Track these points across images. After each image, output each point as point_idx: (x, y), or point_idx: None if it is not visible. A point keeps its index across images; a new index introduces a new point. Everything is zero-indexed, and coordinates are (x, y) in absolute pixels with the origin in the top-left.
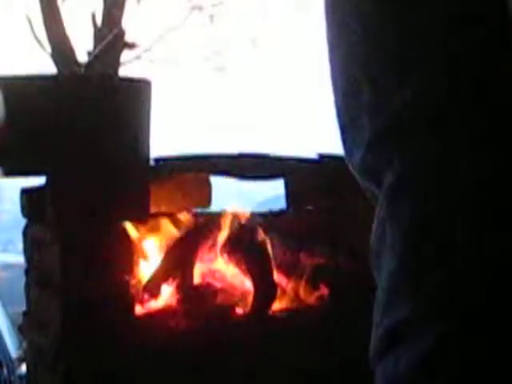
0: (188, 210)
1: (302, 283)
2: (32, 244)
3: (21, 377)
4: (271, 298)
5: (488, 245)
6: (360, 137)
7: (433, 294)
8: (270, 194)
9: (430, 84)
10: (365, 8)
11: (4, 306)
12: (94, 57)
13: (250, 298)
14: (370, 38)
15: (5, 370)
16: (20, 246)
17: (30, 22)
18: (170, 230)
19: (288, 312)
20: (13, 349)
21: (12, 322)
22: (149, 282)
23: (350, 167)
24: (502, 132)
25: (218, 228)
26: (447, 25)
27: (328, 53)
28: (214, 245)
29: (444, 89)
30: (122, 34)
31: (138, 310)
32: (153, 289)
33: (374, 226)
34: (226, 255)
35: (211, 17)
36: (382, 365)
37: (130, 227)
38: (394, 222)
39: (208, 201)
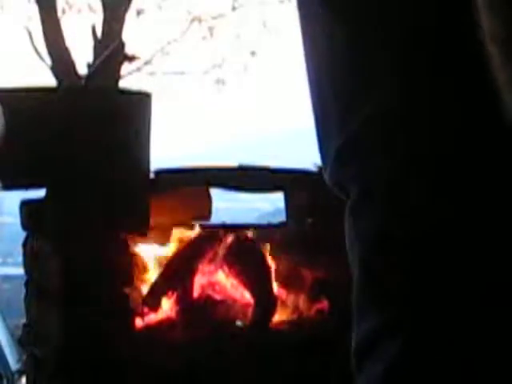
0: (188, 223)
1: (302, 296)
2: (32, 256)
3: None
4: (271, 310)
5: (443, 256)
6: (330, 151)
7: (396, 303)
8: (270, 206)
9: (385, 102)
10: (329, 25)
11: (4, 318)
12: (94, 69)
13: (250, 311)
14: (334, 54)
15: (5, 383)
16: (20, 258)
17: (29, 33)
18: (169, 243)
19: (288, 325)
20: (12, 361)
21: (12, 334)
22: (149, 294)
23: (325, 179)
24: (451, 149)
25: (218, 240)
26: (403, 42)
27: (305, 63)
28: (214, 257)
29: (398, 107)
30: (122, 46)
31: (138, 322)
32: (153, 301)
33: (346, 237)
34: (225, 268)
35: (211, 29)
36: (359, 378)
37: (129, 240)
38: (358, 236)
39: (208, 213)
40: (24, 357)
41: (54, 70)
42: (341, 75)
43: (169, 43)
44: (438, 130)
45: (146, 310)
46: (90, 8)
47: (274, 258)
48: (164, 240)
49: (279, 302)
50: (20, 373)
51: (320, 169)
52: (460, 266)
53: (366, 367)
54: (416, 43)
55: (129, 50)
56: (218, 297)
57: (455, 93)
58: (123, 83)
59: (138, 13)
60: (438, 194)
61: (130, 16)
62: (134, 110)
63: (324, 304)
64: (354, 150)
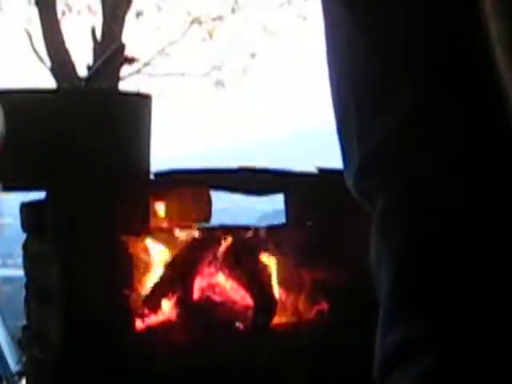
0: (188, 224)
1: (302, 298)
2: (32, 258)
3: None
4: (271, 312)
5: (475, 269)
6: (353, 160)
7: (427, 317)
8: (270, 208)
9: (404, 114)
10: (351, 33)
11: (4, 320)
12: (94, 71)
13: (250, 313)
14: (355, 63)
15: None
16: (20, 259)
17: (29, 35)
18: (170, 245)
19: (288, 327)
20: (12, 363)
21: (12, 336)
22: (149, 296)
23: (349, 187)
24: (478, 159)
25: (218, 242)
26: (423, 56)
27: (327, 69)
28: (214, 259)
29: (415, 119)
30: (121, 48)
31: (138, 324)
32: (153, 303)
33: (371, 247)
34: (225, 270)
35: (211, 31)
36: None
37: (129, 241)
38: (386, 248)
39: (208, 215)
40: (24, 358)
41: (54, 71)
42: (361, 85)
43: (169, 45)
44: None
45: (145, 311)
46: (90, 10)
47: (274, 259)
48: (164, 242)
49: (279, 304)
50: (20, 374)
51: (320, 171)
52: (498, 279)
53: (392, 381)
54: (433, 58)
55: (129, 51)
56: (217, 299)
57: (468, 107)
58: (123, 85)
59: (138, 14)
60: (473, 200)
61: (129, 18)
62: (134, 111)
63: (324, 306)
64: (378, 162)
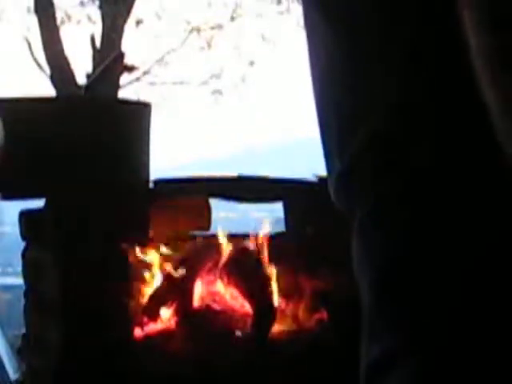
0: (187, 233)
1: (302, 306)
2: (31, 266)
3: None
4: (270, 321)
5: (450, 280)
6: (333, 171)
7: (407, 328)
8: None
9: (380, 126)
10: (330, 42)
11: (3, 328)
12: (94, 79)
13: (250, 321)
14: (334, 71)
15: None
16: (19, 268)
17: (29, 43)
18: (169, 253)
19: (287, 335)
20: (11, 372)
21: (11, 344)
22: (148, 304)
23: (331, 195)
24: (455, 173)
25: (218, 251)
26: (402, 66)
27: (310, 72)
28: (213, 267)
29: (394, 132)
30: (121, 56)
31: (138, 332)
32: (152, 311)
33: (354, 256)
34: (225, 278)
35: (209, 39)
36: None
37: (129, 250)
38: (368, 257)
39: (208, 223)
40: (23, 367)
41: (54, 79)
42: (340, 93)
43: (168, 53)
44: (434, 150)
45: (145, 320)
46: (89, 18)
47: (274, 268)
48: (163, 250)
49: (278, 313)
50: (19, 383)
51: (319, 179)
52: (481, 290)
53: None
54: (415, 68)
55: (128, 59)
56: (217, 307)
57: (452, 118)
58: (122, 93)
59: (137, 23)
60: (451, 213)
61: (129, 26)
62: (133, 119)
63: (323, 314)
64: (354, 174)
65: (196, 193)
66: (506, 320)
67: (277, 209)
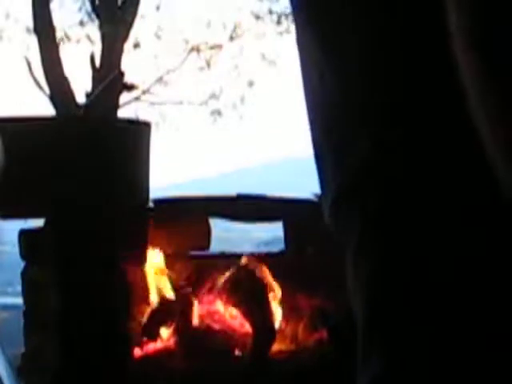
0: (187, 252)
1: (301, 325)
2: (30, 286)
3: None
4: (270, 340)
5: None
6: (326, 197)
7: (387, 354)
8: (269, 235)
9: (369, 155)
10: (320, 63)
11: (2, 347)
12: (93, 98)
13: (249, 340)
14: (324, 95)
15: None
16: (19, 287)
17: (28, 63)
18: (168, 272)
19: (287, 354)
20: None
21: (10, 363)
22: (147, 324)
23: (325, 220)
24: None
25: (217, 270)
26: (391, 91)
27: (303, 93)
28: (213, 287)
29: (379, 161)
30: (120, 75)
31: (137, 352)
32: (152, 331)
33: (348, 281)
34: (225, 297)
35: (208, 59)
36: None
37: (128, 269)
38: (360, 283)
39: (207, 243)
40: None
41: (53, 99)
42: (331, 117)
43: (167, 73)
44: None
45: (145, 339)
46: (89, 38)
47: (273, 287)
48: (163, 269)
49: (278, 332)
50: None
51: (319, 197)
52: (470, 313)
53: None
54: (403, 99)
55: (127, 79)
56: (216, 326)
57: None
58: (122, 112)
59: (136, 43)
60: (440, 238)
61: (128, 46)
62: (133, 139)
63: (323, 334)
64: (347, 201)
65: (195, 212)
66: (490, 350)
67: (276, 228)
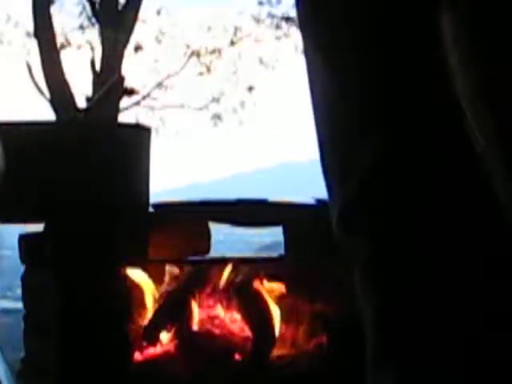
0: (187, 257)
1: (301, 330)
2: (30, 290)
3: None
4: (270, 345)
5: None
6: (333, 207)
7: (409, 356)
8: (269, 240)
9: (376, 164)
10: (323, 76)
11: (2, 352)
12: (93, 103)
13: (249, 345)
14: (329, 104)
15: None
16: (19, 291)
17: (29, 67)
18: (168, 277)
19: (287, 359)
20: None
21: (10, 368)
22: (147, 328)
23: (333, 228)
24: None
25: (217, 275)
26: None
27: (311, 102)
28: (212, 291)
29: (387, 168)
30: (121, 80)
31: (137, 356)
32: (151, 336)
33: (357, 292)
34: (224, 302)
35: (208, 64)
36: None
37: (129, 273)
38: (369, 300)
39: (207, 247)
40: None
41: (53, 103)
42: (336, 126)
43: (167, 78)
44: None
45: (144, 343)
46: (89, 43)
47: (273, 291)
48: (163, 274)
49: (278, 337)
50: None
51: (319, 202)
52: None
53: None
54: (403, 120)
55: (128, 83)
56: (216, 331)
57: (438, 144)
58: (122, 117)
59: (137, 47)
60: (448, 246)
61: (128, 50)
62: (133, 143)
63: (323, 338)
64: (355, 211)
65: (195, 217)
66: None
67: (276, 232)
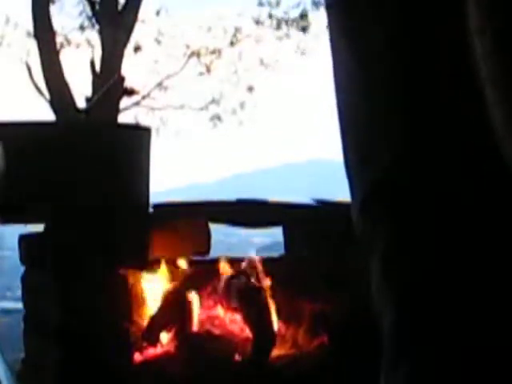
0: (187, 257)
1: (301, 330)
2: (30, 291)
3: None
4: (270, 345)
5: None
6: (354, 199)
7: (430, 359)
8: (269, 240)
9: (394, 164)
10: (344, 81)
11: (2, 352)
12: (93, 103)
13: (249, 345)
14: (354, 106)
15: None
16: (19, 292)
17: (28, 68)
18: (168, 277)
19: (287, 359)
20: None
21: (10, 368)
22: (147, 329)
23: (353, 221)
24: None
25: (217, 275)
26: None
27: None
28: (212, 292)
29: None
30: (121, 80)
31: (137, 357)
32: (151, 336)
33: (373, 284)
34: (224, 302)
35: (208, 64)
36: None
37: (129, 274)
38: (389, 290)
39: (207, 248)
40: None
41: (53, 104)
42: (359, 127)
43: (167, 78)
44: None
45: (145, 344)
46: (89, 43)
47: (273, 291)
48: (162, 274)
49: (278, 337)
50: None
51: (318, 202)
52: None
53: None
54: (422, 113)
55: (128, 84)
56: (216, 331)
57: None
58: (122, 117)
59: (137, 47)
60: (475, 245)
61: (128, 51)
62: (133, 144)
63: (323, 338)
64: (375, 205)
65: (195, 217)
66: None
67: (276, 233)
